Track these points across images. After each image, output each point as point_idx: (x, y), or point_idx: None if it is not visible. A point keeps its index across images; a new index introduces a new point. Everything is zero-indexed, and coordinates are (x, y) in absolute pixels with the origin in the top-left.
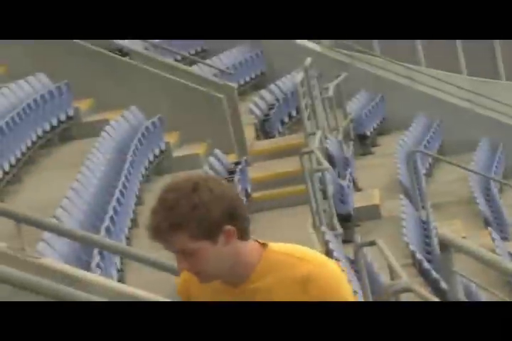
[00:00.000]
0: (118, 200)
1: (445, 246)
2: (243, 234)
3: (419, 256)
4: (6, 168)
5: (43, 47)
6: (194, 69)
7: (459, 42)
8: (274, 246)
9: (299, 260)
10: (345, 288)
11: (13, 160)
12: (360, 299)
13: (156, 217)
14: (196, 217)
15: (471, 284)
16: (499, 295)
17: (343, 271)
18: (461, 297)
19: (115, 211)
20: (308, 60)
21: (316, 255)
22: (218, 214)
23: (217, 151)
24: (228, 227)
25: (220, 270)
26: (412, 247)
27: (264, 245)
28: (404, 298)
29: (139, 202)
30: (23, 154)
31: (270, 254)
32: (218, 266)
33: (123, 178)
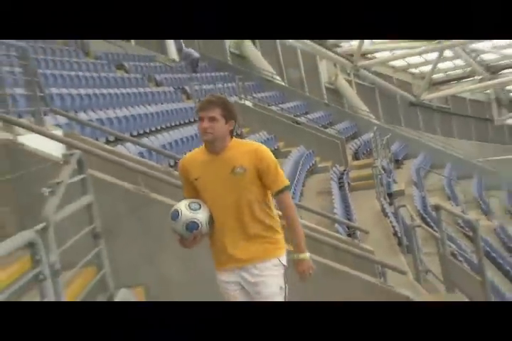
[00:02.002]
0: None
1: (438, 207)
2: (232, 131)
3: (421, 212)
4: None
5: None
6: (327, 130)
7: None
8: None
9: (249, 142)
10: (273, 156)
11: None
12: (397, 232)
13: (210, 99)
14: (228, 107)
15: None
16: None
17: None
18: (444, 236)
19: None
20: (375, 128)
21: (259, 143)
22: (235, 113)
23: (336, 165)
24: (233, 122)
25: (218, 136)
26: (418, 207)
27: (233, 137)
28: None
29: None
30: None
31: (236, 140)
32: (220, 134)
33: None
